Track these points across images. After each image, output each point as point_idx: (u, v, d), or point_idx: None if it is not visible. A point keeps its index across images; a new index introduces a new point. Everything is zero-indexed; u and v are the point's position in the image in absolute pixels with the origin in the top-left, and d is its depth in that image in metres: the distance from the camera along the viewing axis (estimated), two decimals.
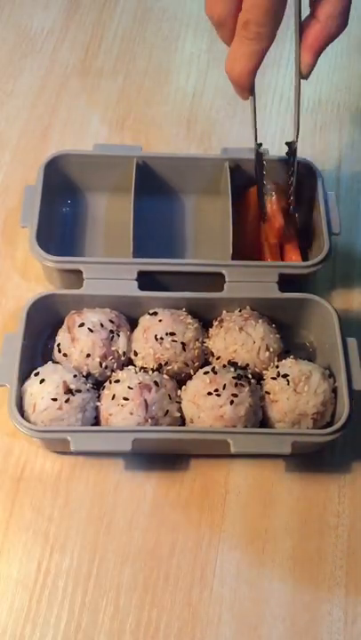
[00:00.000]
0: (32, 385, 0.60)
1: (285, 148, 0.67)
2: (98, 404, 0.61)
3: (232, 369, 0.62)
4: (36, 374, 0.61)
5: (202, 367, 0.63)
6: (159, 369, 0.63)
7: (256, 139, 0.65)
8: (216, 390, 0.60)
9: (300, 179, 0.68)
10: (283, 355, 0.65)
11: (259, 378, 0.63)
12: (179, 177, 0.75)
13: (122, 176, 0.72)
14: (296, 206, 0.69)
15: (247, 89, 0.57)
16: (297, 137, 0.64)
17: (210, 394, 0.60)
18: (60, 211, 0.75)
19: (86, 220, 0.76)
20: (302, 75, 0.58)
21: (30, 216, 0.68)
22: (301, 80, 0.59)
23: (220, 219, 0.73)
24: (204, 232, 0.75)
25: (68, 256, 0.68)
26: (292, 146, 0.66)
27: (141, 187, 0.71)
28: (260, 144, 0.65)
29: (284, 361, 0.63)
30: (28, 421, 0.59)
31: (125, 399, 0.60)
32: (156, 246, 0.71)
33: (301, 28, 0.56)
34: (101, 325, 0.63)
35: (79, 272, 0.66)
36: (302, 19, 0.56)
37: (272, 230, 0.69)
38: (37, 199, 0.69)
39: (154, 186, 0.74)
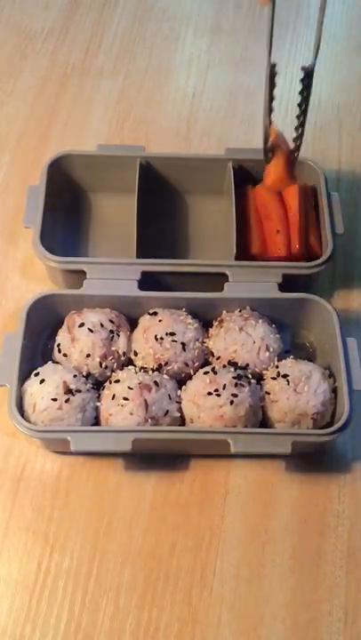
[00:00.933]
0: (32, 385, 0.60)
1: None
2: (98, 404, 0.61)
3: (232, 369, 0.62)
4: (36, 374, 0.61)
5: (202, 367, 0.63)
6: (159, 369, 0.63)
7: (270, 55, 0.59)
8: (216, 390, 0.60)
9: (302, 179, 0.68)
10: (283, 355, 0.65)
11: (259, 378, 0.63)
12: (182, 177, 0.75)
13: (125, 176, 0.72)
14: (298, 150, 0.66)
15: None
16: (315, 57, 0.59)
17: (210, 394, 0.60)
18: (63, 211, 0.75)
19: (89, 220, 0.76)
20: None
21: (34, 216, 0.68)
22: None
23: (223, 219, 0.73)
24: (206, 232, 0.75)
25: (71, 256, 0.68)
26: (309, 70, 0.60)
27: (144, 187, 0.71)
28: (275, 64, 0.59)
29: (284, 361, 0.63)
30: (28, 421, 0.59)
31: (125, 399, 0.59)
32: (158, 246, 0.71)
33: None
34: (101, 325, 0.63)
35: (83, 272, 0.66)
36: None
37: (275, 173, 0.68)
38: (41, 199, 0.68)
39: (156, 186, 0.74)
